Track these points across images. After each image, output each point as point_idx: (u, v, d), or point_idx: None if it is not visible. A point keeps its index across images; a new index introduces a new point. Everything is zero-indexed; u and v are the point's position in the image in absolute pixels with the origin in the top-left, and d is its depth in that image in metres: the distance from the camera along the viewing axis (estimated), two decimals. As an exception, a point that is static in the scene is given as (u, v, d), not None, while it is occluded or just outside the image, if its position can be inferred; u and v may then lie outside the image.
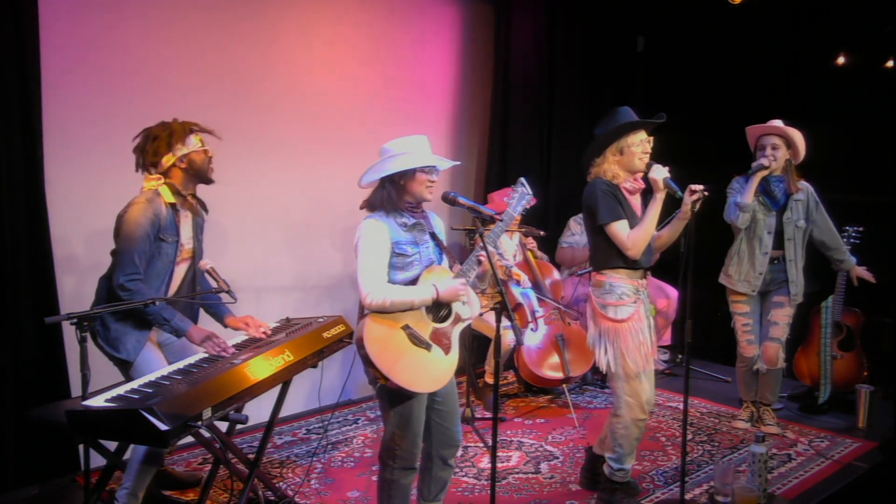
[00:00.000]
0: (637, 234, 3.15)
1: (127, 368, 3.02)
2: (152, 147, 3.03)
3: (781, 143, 4.04)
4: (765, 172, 4.03)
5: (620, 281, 3.21)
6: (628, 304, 3.21)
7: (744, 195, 4.04)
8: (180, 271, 3.13)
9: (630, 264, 3.21)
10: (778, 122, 4.05)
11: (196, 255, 3.17)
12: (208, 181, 3.14)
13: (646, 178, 3.24)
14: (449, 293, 2.70)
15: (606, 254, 3.23)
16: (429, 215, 2.88)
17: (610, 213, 3.16)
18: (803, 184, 4.16)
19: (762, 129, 4.08)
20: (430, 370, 2.68)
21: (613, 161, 3.22)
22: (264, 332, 3.18)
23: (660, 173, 3.13)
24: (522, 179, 2.95)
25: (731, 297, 4.31)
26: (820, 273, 4.68)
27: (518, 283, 4.72)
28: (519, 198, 2.92)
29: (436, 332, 2.73)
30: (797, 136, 4.03)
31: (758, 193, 4.07)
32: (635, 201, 3.30)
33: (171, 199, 3.02)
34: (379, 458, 2.84)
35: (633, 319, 3.20)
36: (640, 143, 3.18)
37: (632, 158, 3.19)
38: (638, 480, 3.64)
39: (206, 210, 3.23)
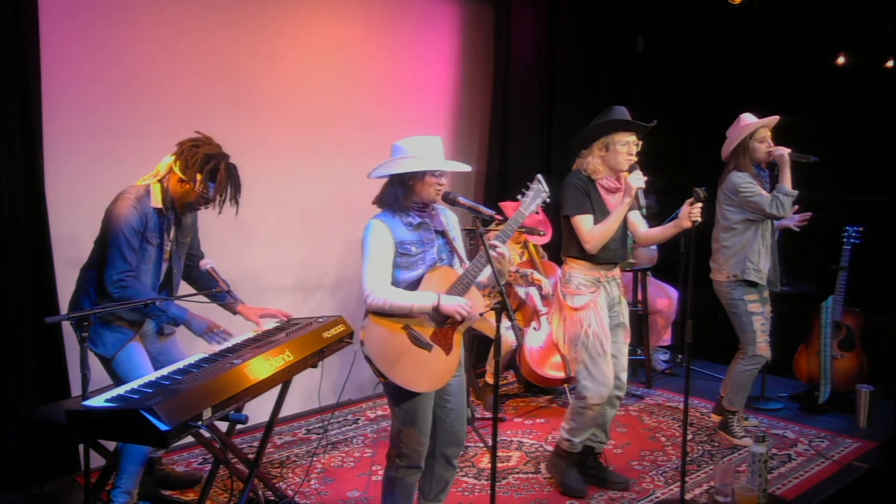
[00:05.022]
0: (597, 231, 3.29)
1: (107, 364, 3.03)
2: (193, 153, 2.97)
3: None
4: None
5: (578, 272, 3.38)
6: (584, 294, 3.36)
7: (786, 183, 3.89)
8: (164, 271, 3.14)
9: (589, 257, 3.34)
10: (753, 117, 4.03)
11: (173, 256, 3.15)
12: (180, 208, 3.10)
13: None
14: (449, 308, 2.67)
15: (567, 243, 3.43)
16: (439, 212, 2.87)
17: (576, 206, 3.32)
18: None
19: (766, 122, 4.01)
20: (429, 370, 2.68)
21: (598, 156, 3.34)
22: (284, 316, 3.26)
23: (636, 181, 3.22)
24: (539, 177, 2.86)
25: (746, 297, 4.05)
26: (820, 273, 4.69)
27: (540, 288, 4.65)
28: (534, 195, 2.83)
29: (437, 332, 2.73)
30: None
31: (764, 185, 3.99)
32: (612, 200, 3.38)
33: (159, 202, 3.01)
34: (386, 456, 2.84)
35: (587, 308, 3.34)
36: (626, 144, 3.28)
37: (616, 157, 3.30)
38: (638, 480, 3.66)
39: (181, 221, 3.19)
